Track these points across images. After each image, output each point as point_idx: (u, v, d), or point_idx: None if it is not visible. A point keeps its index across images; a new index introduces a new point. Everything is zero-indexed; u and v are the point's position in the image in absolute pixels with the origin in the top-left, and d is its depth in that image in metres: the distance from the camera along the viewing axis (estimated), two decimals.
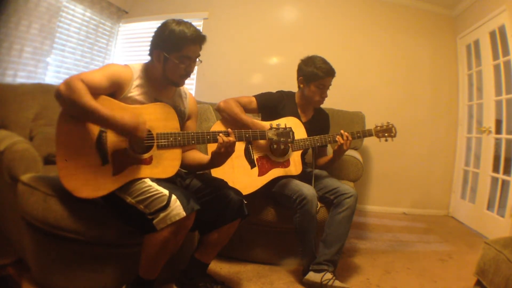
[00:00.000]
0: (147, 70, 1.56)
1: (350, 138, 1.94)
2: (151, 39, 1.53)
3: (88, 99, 1.31)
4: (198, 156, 1.66)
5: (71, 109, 1.35)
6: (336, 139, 1.95)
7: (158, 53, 1.50)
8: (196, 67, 1.61)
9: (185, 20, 1.52)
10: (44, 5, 2.92)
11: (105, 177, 1.39)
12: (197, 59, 1.56)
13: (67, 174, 1.36)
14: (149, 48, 1.54)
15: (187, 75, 1.55)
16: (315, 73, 2.00)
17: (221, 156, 1.54)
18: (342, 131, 1.95)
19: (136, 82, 1.51)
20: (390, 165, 3.64)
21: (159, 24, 1.52)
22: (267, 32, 3.70)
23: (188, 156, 1.65)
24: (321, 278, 1.75)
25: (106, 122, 1.36)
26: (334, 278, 1.75)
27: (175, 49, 1.47)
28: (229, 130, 1.53)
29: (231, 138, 1.51)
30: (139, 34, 3.88)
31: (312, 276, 1.79)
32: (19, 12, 2.72)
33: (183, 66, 1.50)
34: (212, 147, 1.83)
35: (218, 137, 1.50)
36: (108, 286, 1.55)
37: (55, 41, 3.15)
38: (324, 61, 2.04)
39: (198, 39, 1.50)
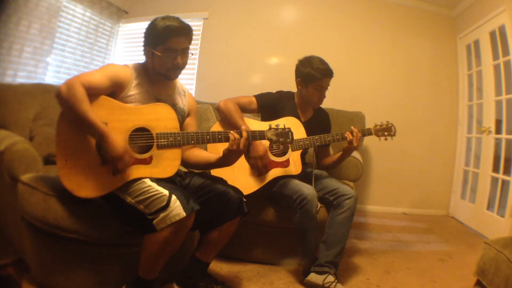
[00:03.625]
0: (144, 69, 1.58)
1: (359, 134, 1.92)
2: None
3: (86, 108, 1.32)
4: (205, 154, 1.65)
5: (68, 113, 1.36)
6: (345, 135, 1.93)
7: (147, 49, 1.54)
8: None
9: (184, 19, 1.55)
10: (44, 5, 2.92)
11: (105, 177, 1.39)
12: (189, 52, 1.56)
13: (67, 174, 1.36)
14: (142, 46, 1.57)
15: (176, 67, 1.54)
16: (312, 75, 1.99)
17: (233, 154, 1.53)
18: (352, 128, 1.93)
19: (136, 81, 1.52)
20: (390, 165, 3.64)
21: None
22: (267, 32, 3.70)
23: (193, 155, 1.65)
24: (323, 281, 1.75)
25: (97, 136, 1.35)
26: (336, 281, 1.75)
27: (159, 42, 1.49)
28: (243, 127, 1.53)
29: (244, 135, 1.51)
30: (139, 34, 3.78)
31: (313, 277, 1.79)
32: (19, 12, 2.72)
33: (168, 59, 1.51)
34: (212, 147, 1.83)
35: (229, 134, 1.51)
36: (108, 286, 1.55)
37: (55, 41, 3.15)
38: (321, 62, 2.02)
39: (180, 30, 1.50)
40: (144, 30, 1.55)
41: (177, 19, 1.52)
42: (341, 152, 2.04)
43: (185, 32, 1.52)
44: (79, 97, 1.31)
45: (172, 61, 1.52)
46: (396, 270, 2.15)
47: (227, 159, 1.56)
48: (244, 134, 1.52)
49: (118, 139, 1.37)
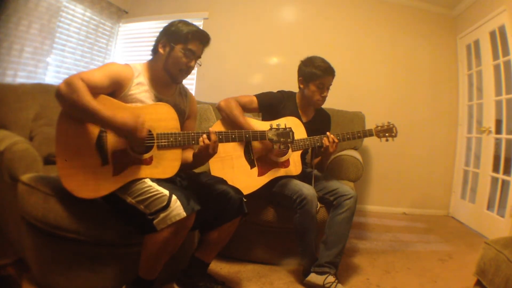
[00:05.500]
0: (149, 69, 1.58)
1: (336, 141, 1.93)
2: (156, 37, 1.58)
3: (88, 99, 1.31)
4: (185, 154, 1.64)
5: (71, 109, 1.35)
6: (323, 141, 1.94)
7: (164, 43, 1.54)
8: (195, 68, 1.63)
9: (184, 19, 1.57)
10: (44, 5, 2.92)
11: (105, 178, 1.39)
12: (198, 60, 1.58)
13: (67, 174, 1.36)
14: (153, 44, 1.58)
15: (187, 71, 1.57)
16: (314, 73, 2.00)
17: (202, 157, 1.56)
18: (328, 133, 1.93)
19: (137, 80, 1.52)
20: (390, 165, 3.65)
21: (164, 24, 1.58)
22: (267, 32, 3.70)
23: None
24: (324, 281, 1.75)
25: (106, 123, 1.36)
26: (336, 281, 1.75)
27: (182, 41, 1.51)
28: (210, 129, 1.53)
29: (213, 137, 1.50)
30: (139, 34, 3.89)
31: (314, 277, 1.79)
32: (19, 12, 2.72)
33: (185, 60, 1.53)
34: None
35: (200, 139, 1.51)
36: (108, 286, 1.55)
37: (55, 41, 3.15)
38: (323, 61, 2.03)
39: (205, 37, 1.56)
40: (163, 29, 1.57)
41: (199, 27, 1.58)
42: (319, 157, 2.09)
43: (207, 41, 1.58)
44: (80, 91, 1.30)
45: (187, 63, 1.54)
46: (396, 270, 2.15)
47: (197, 162, 1.60)
48: (213, 137, 1.51)
49: (126, 115, 1.37)
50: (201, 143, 1.50)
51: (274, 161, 1.96)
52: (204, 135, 1.51)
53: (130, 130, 1.36)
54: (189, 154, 1.64)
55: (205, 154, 1.53)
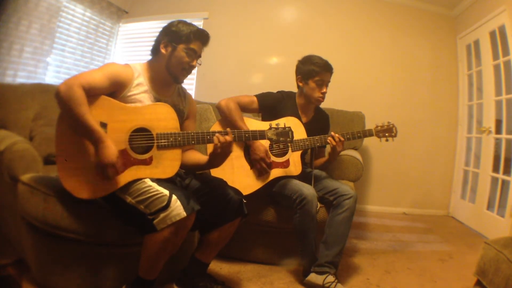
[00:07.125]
0: (148, 69, 1.58)
1: (342, 139, 1.93)
2: (156, 36, 1.58)
3: (83, 111, 1.31)
4: (196, 156, 1.66)
5: (66, 115, 1.36)
6: (328, 140, 1.94)
7: (166, 43, 1.54)
8: (196, 68, 1.64)
9: (184, 20, 1.58)
10: (44, 5, 2.93)
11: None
12: (198, 60, 1.59)
13: (67, 175, 1.36)
14: (153, 44, 1.58)
15: (189, 70, 1.58)
16: (312, 69, 2.01)
17: (219, 156, 1.53)
18: (332, 133, 1.93)
19: (137, 81, 1.52)
20: (390, 165, 3.65)
21: (164, 24, 1.59)
22: (267, 32, 3.70)
23: (186, 156, 1.64)
24: (323, 281, 1.75)
25: (93, 140, 1.34)
26: (336, 281, 1.75)
27: (184, 41, 1.52)
28: (228, 129, 1.53)
29: (228, 138, 1.49)
30: (139, 34, 3.89)
31: (313, 277, 1.79)
32: (19, 12, 2.72)
33: (187, 60, 1.54)
34: (211, 147, 1.83)
35: (214, 137, 1.50)
36: (108, 286, 1.55)
37: (55, 41, 3.15)
38: (320, 58, 2.05)
39: (205, 37, 1.58)
40: (163, 29, 1.58)
41: (198, 26, 1.59)
42: (327, 157, 2.07)
43: (207, 40, 1.60)
44: (77, 99, 1.30)
45: (189, 62, 1.55)
46: (396, 270, 2.15)
47: (214, 161, 1.57)
48: (229, 137, 1.50)
49: (113, 146, 1.35)
50: (216, 142, 1.49)
51: (274, 161, 1.96)
52: (218, 134, 1.50)
53: (109, 161, 1.32)
54: (199, 156, 1.65)
55: (221, 153, 1.51)
